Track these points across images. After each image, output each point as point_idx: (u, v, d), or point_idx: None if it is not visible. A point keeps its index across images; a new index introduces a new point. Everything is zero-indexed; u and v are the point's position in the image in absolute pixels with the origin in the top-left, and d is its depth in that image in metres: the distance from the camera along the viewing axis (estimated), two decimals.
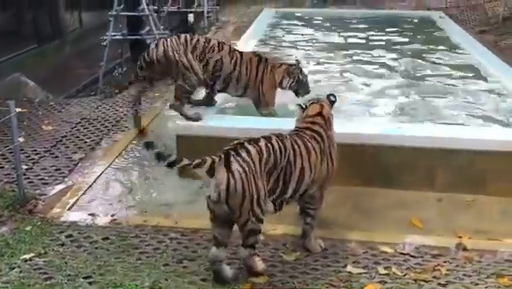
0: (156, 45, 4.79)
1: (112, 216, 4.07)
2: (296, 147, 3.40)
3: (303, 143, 3.46)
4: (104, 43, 8.16)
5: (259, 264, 3.31)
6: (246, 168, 3.09)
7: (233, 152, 3.13)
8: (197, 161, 3.10)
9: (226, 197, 3.06)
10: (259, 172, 3.15)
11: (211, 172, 3.06)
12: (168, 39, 4.82)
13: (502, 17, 10.42)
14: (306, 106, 3.72)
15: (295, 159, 3.37)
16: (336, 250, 3.63)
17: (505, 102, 5.51)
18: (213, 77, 4.86)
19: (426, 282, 3.28)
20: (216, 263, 3.24)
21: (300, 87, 5.02)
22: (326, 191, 3.66)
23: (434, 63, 7.16)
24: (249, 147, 3.18)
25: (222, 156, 3.11)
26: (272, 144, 3.28)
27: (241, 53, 5.02)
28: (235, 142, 3.24)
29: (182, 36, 4.86)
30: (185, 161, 3.14)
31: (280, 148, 3.31)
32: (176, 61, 4.68)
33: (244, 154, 3.13)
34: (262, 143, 3.25)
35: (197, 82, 4.78)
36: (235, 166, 3.07)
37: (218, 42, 4.95)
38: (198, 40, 4.83)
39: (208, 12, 11.56)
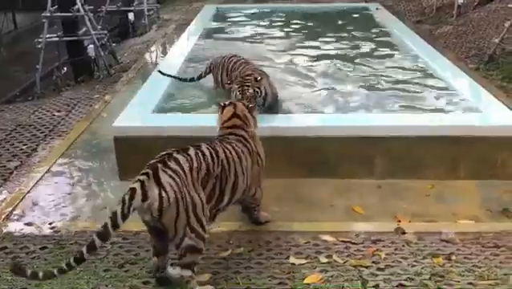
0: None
1: (50, 224, 3.94)
2: (228, 153, 3.29)
3: (233, 148, 3.36)
4: (40, 46, 7.88)
5: None
6: (177, 179, 2.86)
7: (160, 165, 2.89)
8: (127, 198, 2.76)
9: (159, 215, 2.83)
10: (192, 183, 2.95)
11: (145, 195, 2.80)
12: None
13: (436, 7, 10.78)
14: (224, 105, 3.62)
15: (229, 166, 3.26)
16: (279, 242, 3.66)
17: (437, 89, 5.70)
18: None
19: (366, 267, 3.36)
20: (159, 272, 3.19)
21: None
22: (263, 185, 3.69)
23: (371, 52, 7.31)
24: (178, 156, 2.98)
25: (150, 171, 2.85)
26: (202, 152, 3.13)
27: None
28: (162, 153, 3.02)
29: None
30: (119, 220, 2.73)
31: (212, 155, 3.17)
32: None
33: (172, 164, 2.91)
34: (192, 151, 3.08)
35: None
36: (165, 178, 2.84)
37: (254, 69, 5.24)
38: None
39: (148, 10, 11.35)
